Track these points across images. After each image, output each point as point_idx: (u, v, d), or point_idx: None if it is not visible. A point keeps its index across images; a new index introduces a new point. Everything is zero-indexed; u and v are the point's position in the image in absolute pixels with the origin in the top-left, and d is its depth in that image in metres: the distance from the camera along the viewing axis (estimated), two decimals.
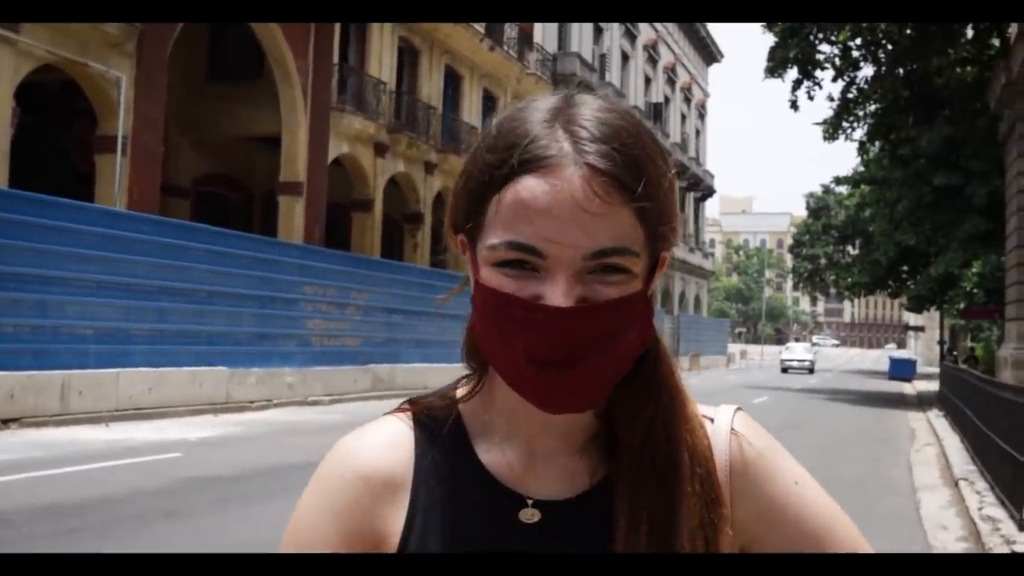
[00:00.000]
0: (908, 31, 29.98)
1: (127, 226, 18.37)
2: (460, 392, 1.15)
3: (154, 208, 21.50)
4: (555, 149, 0.98)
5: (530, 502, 1.07)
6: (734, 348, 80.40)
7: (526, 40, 40.99)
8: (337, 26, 28.50)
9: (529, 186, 0.98)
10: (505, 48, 38.53)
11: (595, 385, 1.00)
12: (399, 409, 1.15)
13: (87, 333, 17.16)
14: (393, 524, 1.08)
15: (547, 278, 0.98)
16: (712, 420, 1.13)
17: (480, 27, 36.43)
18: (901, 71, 32.24)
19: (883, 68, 32.89)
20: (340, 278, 24.85)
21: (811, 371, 60.78)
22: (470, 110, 37.94)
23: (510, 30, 39.46)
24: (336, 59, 28.70)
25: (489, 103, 39.87)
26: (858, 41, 32.31)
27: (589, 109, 1.02)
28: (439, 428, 1.12)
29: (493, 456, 1.10)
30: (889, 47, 31.99)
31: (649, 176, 0.99)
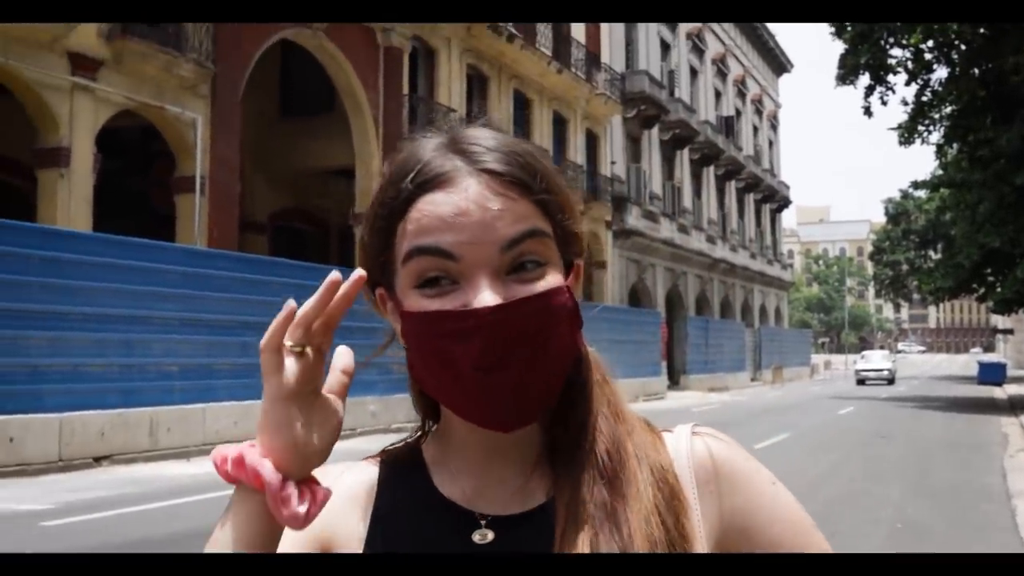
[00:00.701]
0: (981, 30, 29.49)
1: (208, 263, 18.70)
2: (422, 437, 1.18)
3: (233, 245, 21.87)
4: (449, 166, 1.01)
5: (483, 522, 1.06)
6: (817, 359, 79.42)
7: (594, 61, 41.00)
8: (406, 56, 28.79)
9: (429, 200, 1.00)
10: (573, 70, 38.59)
11: (538, 387, 1.00)
12: (369, 457, 1.18)
13: (172, 370, 17.48)
14: (349, 540, 1.10)
15: (467, 285, 0.99)
16: (671, 432, 1.13)
17: (547, 50, 36.54)
18: (976, 71, 31.70)
19: (957, 69, 32.37)
20: None
21: (891, 381, 53.66)
22: (540, 133, 38.03)
23: (577, 51, 39.53)
24: (406, 89, 28.96)
25: (559, 125, 39.95)
26: (930, 43, 31.85)
27: (477, 132, 1.06)
28: (402, 468, 1.14)
29: (448, 487, 1.10)
30: (962, 47, 31.49)
31: (543, 172, 1.03)
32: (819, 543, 1.09)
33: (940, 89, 33.60)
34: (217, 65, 21.73)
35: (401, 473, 1.14)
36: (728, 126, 60.40)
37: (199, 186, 21.33)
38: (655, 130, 47.75)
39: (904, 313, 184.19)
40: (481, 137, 1.04)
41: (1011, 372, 59.17)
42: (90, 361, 15.88)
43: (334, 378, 1.05)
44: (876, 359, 57.60)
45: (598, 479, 1.04)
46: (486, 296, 0.97)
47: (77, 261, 15.69)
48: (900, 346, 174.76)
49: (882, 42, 31.97)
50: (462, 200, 0.98)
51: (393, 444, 1.19)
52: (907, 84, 33.66)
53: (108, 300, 16.13)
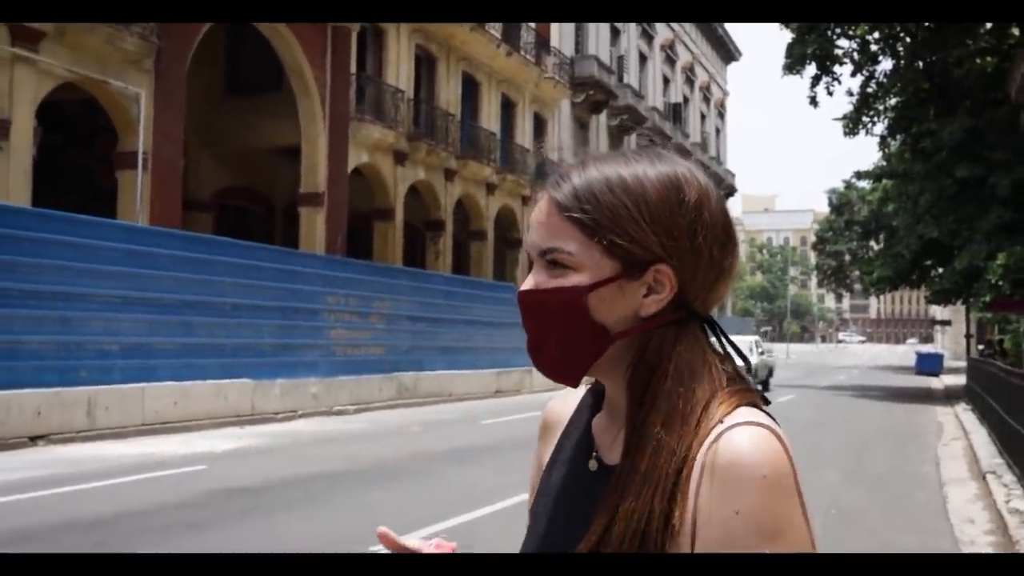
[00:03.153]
0: (926, 24, 29.81)
1: (150, 241, 18.48)
2: None
3: (176, 223, 21.63)
4: (546, 184, 1.31)
5: (595, 454, 1.31)
6: None
7: (543, 44, 40.97)
8: (354, 36, 28.60)
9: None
10: (522, 53, 38.54)
11: (551, 356, 1.28)
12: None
13: (112, 349, 17.27)
14: (547, 454, 1.43)
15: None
16: (722, 423, 1.18)
17: (496, 32, 36.48)
18: (920, 64, 32.05)
19: (902, 61, 32.74)
20: (363, 287, 24.89)
21: (764, 385, 35.48)
22: (489, 116, 37.97)
23: (527, 34, 39.48)
24: (354, 69, 28.78)
25: (508, 108, 39.91)
26: (876, 35, 32.18)
27: (571, 166, 1.32)
28: (593, 397, 1.41)
29: (600, 418, 1.36)
30: (907, 40, 31.84)
31: (596, 203, 1.25)
32: None
33: (885, 81, 33.96)
34: (162, 39, 21.44)
35: (592, 398, 1.41)
36: (676, 113, 60.70)
37: (142, 162, 21.05)
38: (603, 115, 47.89)
39: (846, 303, 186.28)
40: (566, 169, 1.31)
41: (948, 363, 60.05)
42: (27, 338, 15.65)
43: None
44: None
45: (636, 456, 1.20)
46: (527, 281, 1.28)
47: (15, 236, 15.44)
48: (841, 335, 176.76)
49: (829, 32, 32.23)
50: (535, 211, 1.30)
51: None
52: (852, 75, 33.98)
53: (47, 277, 15.89)
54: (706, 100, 69.32)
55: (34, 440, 15.11)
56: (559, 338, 1.27)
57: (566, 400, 1.46)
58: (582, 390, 1.42)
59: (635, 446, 1.20)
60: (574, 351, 1.27)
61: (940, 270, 39.97)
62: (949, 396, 33.22)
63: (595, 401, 1.39)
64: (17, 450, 14.58)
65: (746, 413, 1.18)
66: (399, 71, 31.54)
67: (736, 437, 1.14)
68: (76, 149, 25.57)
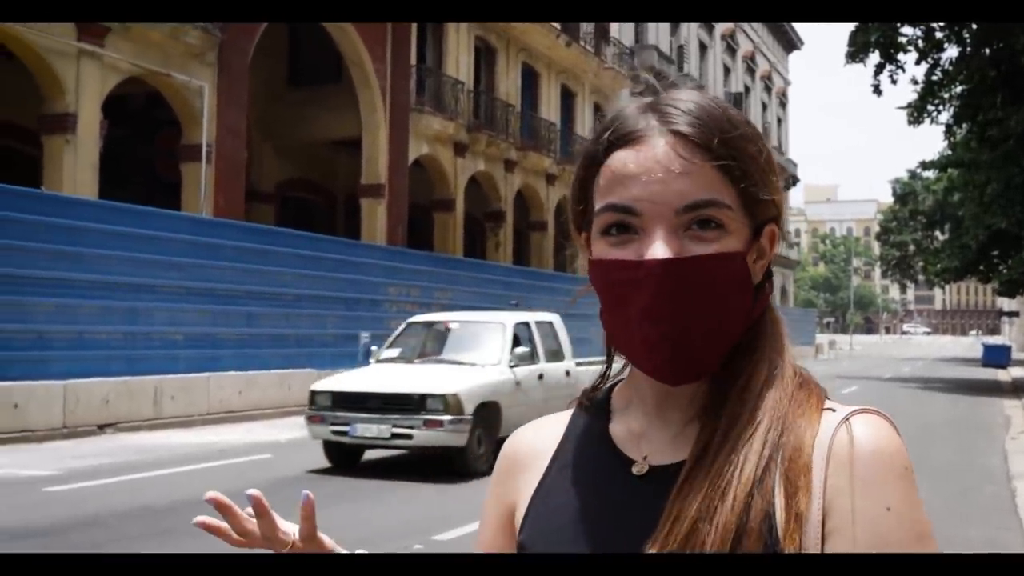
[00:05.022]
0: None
1: (213, 232, 18.71)
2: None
3: (239, 214, 21.87)
4: (643, 124, 1.08)
5: (643, 457, 1.13)
6: (822, 338, 79.29)
7: (603, 34, 40.85)
8: (414, 27, 28.69)
9: (621, 157, 1.07)
10: (582, 43, 38.45)
11: (699, 344, 1.06)
12: (573, 401, 1.28)
13: (177, 339, 17.52)
14: (527, 489, 1.20)
15: (645, 237, 1.05)
16: (834, 411, 1.09)
17: (556, 23, 36.41)
18: (987, 51, 31.49)
19: (968, 48, 32.17)
20: (423, 278, 25.00)
21: None
22: (548, 107, 37.92)
23: (586, 25, 39.36)
24: (414, 60, 28.88)
25: (567, 99, 39.83)
26: (941, 23, 31.66)
27: (678, 93, 1.11)
28: (591, 409, 1.23)
29: (620, 427, 1.18)
30: (973, 27, 31.29)
31: (732, 139, 1.06)
32: None
33: (950, 68, 33.40)
34: (224, 33, 21.66)
35: (588, 416, 1.23)
36: (737, 103, 60.13)
37: (205, 155, 21.30)
38: None
39: (910, 294, 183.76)
40: (680, 99, 1.09)
41: (1016, 355, 59.06)
42: (95, 328, 15.92)
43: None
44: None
45: (727, 443, 1.05)
46: (658, 249, 1.02)
47: (83, 228, 15.71)
48: (905, 327, 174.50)
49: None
50: (648, 159, 1.05)
51: (592, 385, 1.27)
52: (917, 63, 33.46)
53: (113, 268, 16.15)
54: (767, 89, 68.67)
55: (102, 428, 15.38)
56: (713, 320, 1.06)
57: (537, 431, 1.26)
58: (555, 418, 1.26)
59: (719, 435, 1.06)
60: (725, 336, 1.08)
61: (1008, 260, 39.36)
62: (1017, 388, 32.66)
63: (591, 419, 1.21)
64: (85, 438, 14.86)
65: (844, 401, 1.10)
66: (459, 62, 31.59)
67: (870, 426, 1.06)
68: (140, 142, 25.90)
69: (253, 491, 1.07)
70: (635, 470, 1.12)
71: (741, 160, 1.06)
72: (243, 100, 22.69)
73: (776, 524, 1.00)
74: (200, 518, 1.07)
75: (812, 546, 1.00)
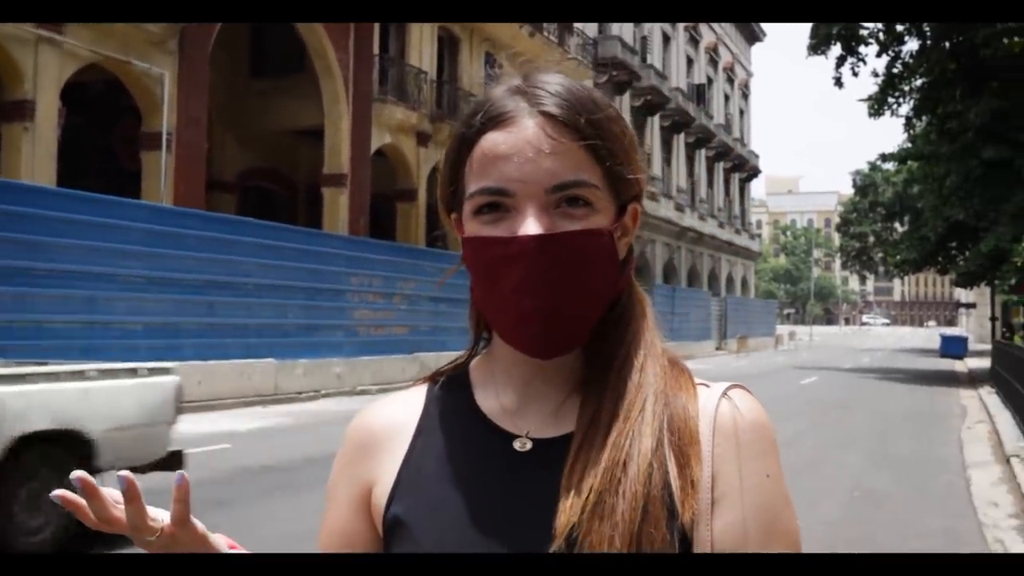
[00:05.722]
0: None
1: (174, 221, 18.57)
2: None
3: (200, 203, 21.72)
4: (512, 105, 1.11)
5: (525, 432, 1.14)
6: (782, 329, 79.93)
7: (566, 25, 40.86)
8: None
9: (492, 139, 1.10)
10: (545, 34, 38.45)
11: (570, 318, 1.09)
12: (422, 379, 1.27)
13: (137, 328, 17.38)
14: (390, 464, 1.18)
15: (518, 215, 1.08)
16: (708, 386, 1.14)
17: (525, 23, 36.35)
18: (947, 44, 31.81)
19: (928, 41, 32.50)
20: (386, 268, 24.94)
21: None
22: None
23: None
24: (376, 50, 28.78)
25: None
26: (901, 23, 31.92)
27: (546, 77, 1.14)
28: (449, 384, 1.24)
29: (490, 403, 1.18)
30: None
31: (598, 120, 1.11)
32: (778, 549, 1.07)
33: (911, 61, 33.73)
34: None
35: (447, 391, 1.23)
36: (699, 94, 60.41)
37: (165, 143, 21.14)
38: (626, 96, 47.69)
39: (870, 285, 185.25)
40: (547, 82, 1.13)
41: (973, 346, 59.76)
42: (53, 318, 15.76)
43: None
44: None
45: (618, 416, 1.09)
46: (530, 225, 1.06)
47: (41, 216, 15.53)
48: (865, 318, 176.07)
49: None
50: (519, 140, 1.08)
51: (444, 365, 1.27)
52: (878, 56, 33.79)
53: (72, 256, 15.98)
54: (730, 81, 68.96)
55: None
56: (583, 294, 1.09)
57: (391, 406, 1.24)
58: (408, 393, 1.25)
59: (606, 407, 1.09)
60: (594, 310, 1.12)
61: (965, 252, 39.74)
62: (973, 379, 33.05)
63: (452, 394, 1.21)
64: None
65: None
66: (422, 52, 31.51)
67: (748, 401, 1.12)
68: (100, 130, 25.67)
69: (125, 473, 1.02)
70: (517, 445, 1.13)
71: (607, 140, 1.11)
72: (204, 88, 22.52)
73: (674, 491, 1.05)
74: (59, 492, 1.03)
75: (703, 510, 1.05)
